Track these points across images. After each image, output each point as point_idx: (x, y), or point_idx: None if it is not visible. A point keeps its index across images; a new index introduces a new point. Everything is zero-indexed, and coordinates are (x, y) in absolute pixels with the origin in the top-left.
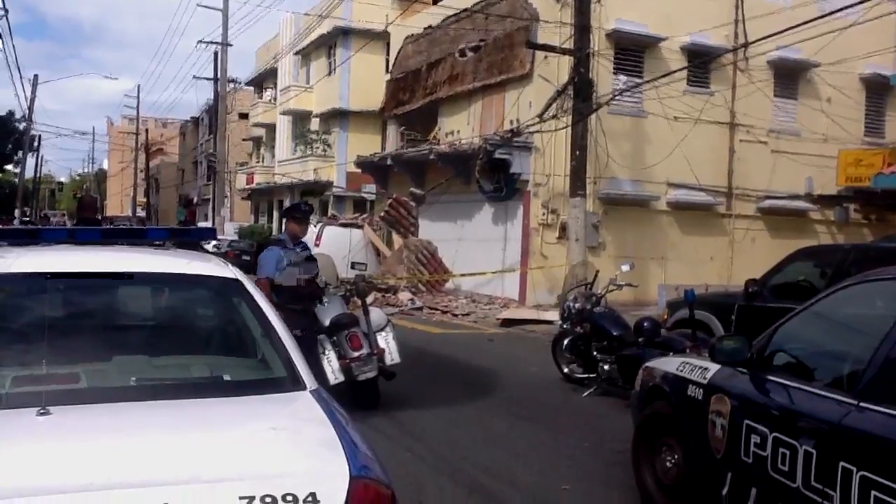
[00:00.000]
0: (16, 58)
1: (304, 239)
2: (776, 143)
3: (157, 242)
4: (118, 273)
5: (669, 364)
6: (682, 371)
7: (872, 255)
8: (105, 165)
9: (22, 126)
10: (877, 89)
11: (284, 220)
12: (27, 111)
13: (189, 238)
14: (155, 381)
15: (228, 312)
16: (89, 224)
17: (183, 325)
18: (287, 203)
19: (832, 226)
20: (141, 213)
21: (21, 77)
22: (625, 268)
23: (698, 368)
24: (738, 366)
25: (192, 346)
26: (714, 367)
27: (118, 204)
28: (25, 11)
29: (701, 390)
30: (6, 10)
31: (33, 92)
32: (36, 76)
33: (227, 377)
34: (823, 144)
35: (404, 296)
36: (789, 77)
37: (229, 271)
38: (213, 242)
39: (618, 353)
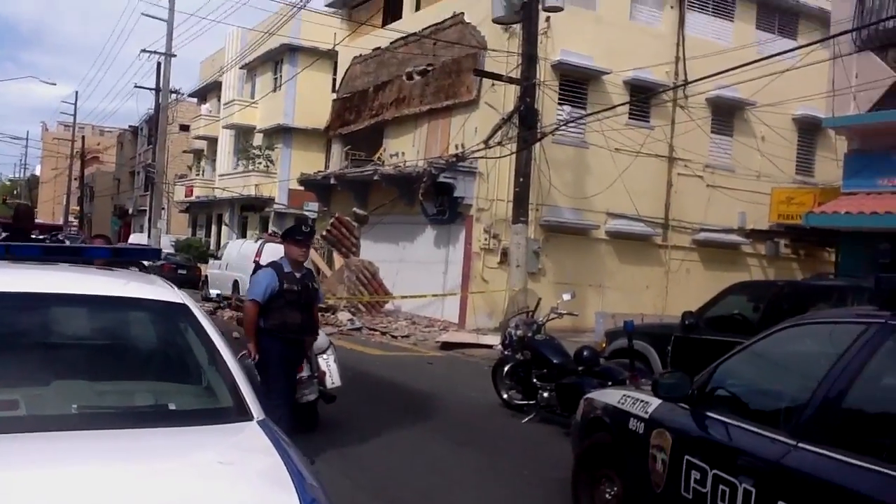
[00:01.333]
0: None
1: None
2: (712, 178)
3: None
4: (59, 295)
5: (611, 396)
6: (623, 404)
7: (803, 291)
8: (38, 172)
9: None
10: (808, 130)
11: (284, 242)
12: None
13: (131, 258)
14: (97, 408)
15: (174, 337)
16: (25, 236)
17: (126, 350)
18: (227, 217)
19: (763, 259)
20: (74, 221)
21: None
22: (566, 296)
23: (640, 402)
24: (680, 401)
25: (136, 371)
26: (655, 402)
27: (49, 211)
28: None
29: (642, 424)
30: None
31: None
32: None
33: (172, 406)
34: (756, 181)
35: (344, 316)
36: (726, 115)
37: (175, 295)
38: None
39: (557, 381)
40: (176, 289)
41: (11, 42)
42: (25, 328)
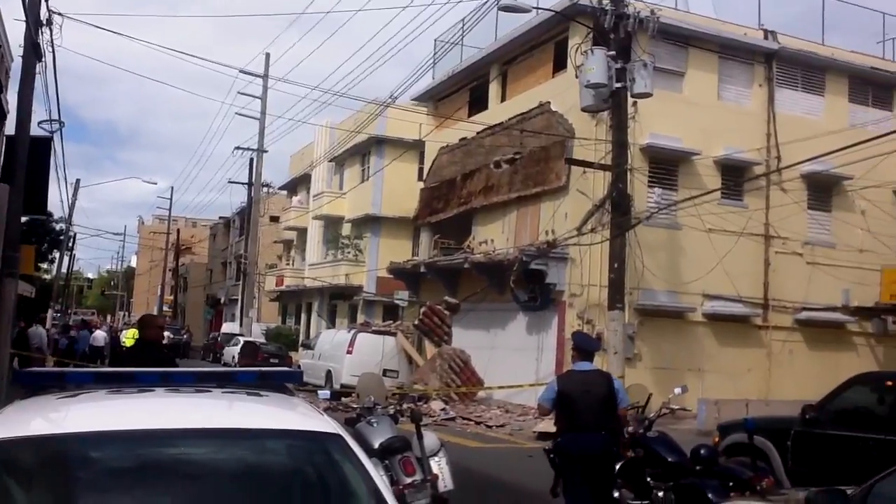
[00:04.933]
0: (64, 164)
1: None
2: (812, 255)
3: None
4: (213, 430)
5: None
6: None
7: None
8: (133, 263)
9: (59, 227)
10: None
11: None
12: (68, 213)
13: (276, 381)
14: None
15: (329, 469)
16: (154, 346)
17: (283, 484)
18: (317, 306)
19: (871, 338)
20: (167, 310)
21: (66, 180)
22: (678, 390)
23: None
24: None
25: None
26: None
27: (144, 302)
28: (66, 116)
29: None
30: (62, 124)
31: (74, 195)
32: (78, 181)
33: None
34: (859, 256)
35: (437, 405)
36: (823, 190)
37: (327, 424)
38: (240, 344)
39: (674, 481)
40: (326, 416)
41: (110, 142)
42: (182, 462)
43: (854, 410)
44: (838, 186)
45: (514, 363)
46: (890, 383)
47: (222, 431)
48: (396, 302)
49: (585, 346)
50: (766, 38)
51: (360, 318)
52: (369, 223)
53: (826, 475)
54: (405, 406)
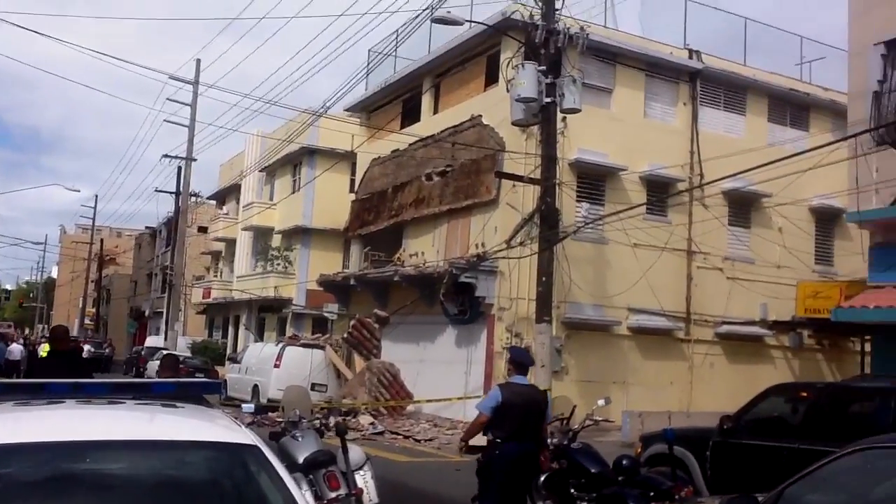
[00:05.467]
0: None
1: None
2: (731, 271)
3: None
4: (128, 442)
5: None
6: None
7: (844, 393)
8: (54, 274)
9: None
10: (825, 219)
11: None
12: None
13: (194, 392)
14: None
15: (246, 481)
16: (65, 357)
17: (199, 495)
18: (245, 319)
19: (787, 351)
20: (89, 323)
21: None
22: (601, 402)
23: None
24: None
25: None
26: None
27: (65, 314)
28: None
29: None
30: None
31: None
32: None
33: None
34: (776, 271)
35: (365, 419)
36: (743, 207)
37: (245, 436)
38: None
39: (597, 492)
40: (244, 427)
41: (34, 148)
42: (97, 475)
43: (769, 420)
44: (757, 203)
45: (444, 376)
46: (803, 394)
47: (133, 443)
48: (326, 315)
49: (522, 359)
50: (690, 57)
51: (289, 332)
52: (300, 235)
53: (743, 483)
54: (331, 420)
